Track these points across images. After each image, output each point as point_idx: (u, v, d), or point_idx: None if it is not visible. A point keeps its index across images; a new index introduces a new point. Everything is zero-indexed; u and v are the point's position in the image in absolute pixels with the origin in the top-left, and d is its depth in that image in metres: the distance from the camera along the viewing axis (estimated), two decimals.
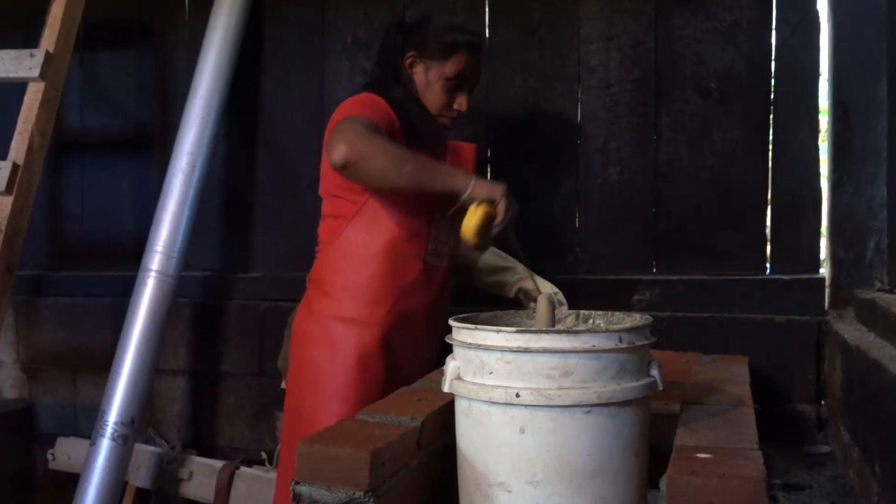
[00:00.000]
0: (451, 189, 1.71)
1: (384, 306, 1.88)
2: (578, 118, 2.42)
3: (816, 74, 2.21)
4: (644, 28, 2.35)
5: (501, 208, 1.68)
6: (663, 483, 1.05)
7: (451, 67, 1.95)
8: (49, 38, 2.20)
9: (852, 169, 2.09)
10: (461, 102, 2.00)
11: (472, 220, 1.71)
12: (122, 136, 3.01)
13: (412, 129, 1.91)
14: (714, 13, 2.28)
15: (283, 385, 2.03)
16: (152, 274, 2.47)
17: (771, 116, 2.24)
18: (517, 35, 2.47)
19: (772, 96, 2.24)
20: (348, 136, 1.68)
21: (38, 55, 2.16)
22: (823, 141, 2.32)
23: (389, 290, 1.89)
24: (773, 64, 2.24)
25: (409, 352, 1.94)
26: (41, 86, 2.17)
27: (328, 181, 1.94)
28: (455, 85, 1.97)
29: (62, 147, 3.01)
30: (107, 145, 3.04)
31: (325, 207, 1.98)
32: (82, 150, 3.05)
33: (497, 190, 1.70)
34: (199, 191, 2.55)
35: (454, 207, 1.73)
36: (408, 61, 1.97)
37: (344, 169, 1.69)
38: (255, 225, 2.80)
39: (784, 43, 2.22)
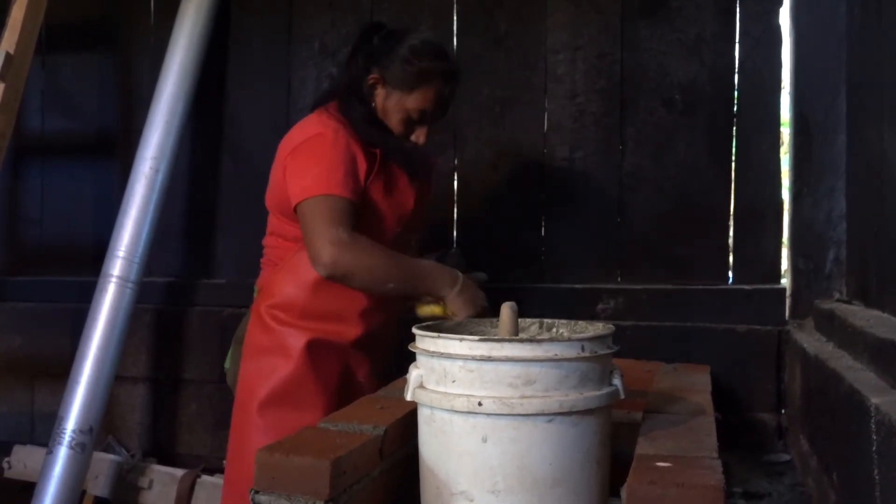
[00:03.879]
0: (433, 295, 1.76)
1: (340, 325, 1.86)
2: (545, 127, 2.43)
3: (778, 88, 2.25)
4: (610, 39, 2.37)
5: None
6: (624, 492, 1.05)
7: (413, 101, 1.81)
8: (9, 39, 2.17)
9: (812, 181, 2.13)
10: (419, 136, 1.86)
11: (432, 310, 1.80)
12: (84, 139, 2.97)
13: (385, 146, 1.83)
14: (679, 26, 2.31)
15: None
16: (113, 279, 2.43)
17: (734, 128, 2.27)
18: (484, 44, 2.48)
19: (735, 108, 2.27)
20: (334, 250, 1.68)
21: None
22: (785, 153, 2.35)
23: (344, 313, 1.86)
24: (736, 77, 2.27)
25: (366, 366, 1.93)
26: (0, 87, 2.13)
27: (284, 203, 1.85)
28: (417, 118, 1.84)
29: (22, 150, 2.97)
30: (68, 149, 3.00)
31: (275, 225, 1.93)
32: (43, 154, 3.00)
33: (466, 314, 1.73)
34: (162, 196, 2.52)
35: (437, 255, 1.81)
36: (370, 81, 1.84)
37: (331, 279, 1.71)
38: (218, 231, 2.77)
39: (747, 56, 2.25)
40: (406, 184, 1.88)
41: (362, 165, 1.79)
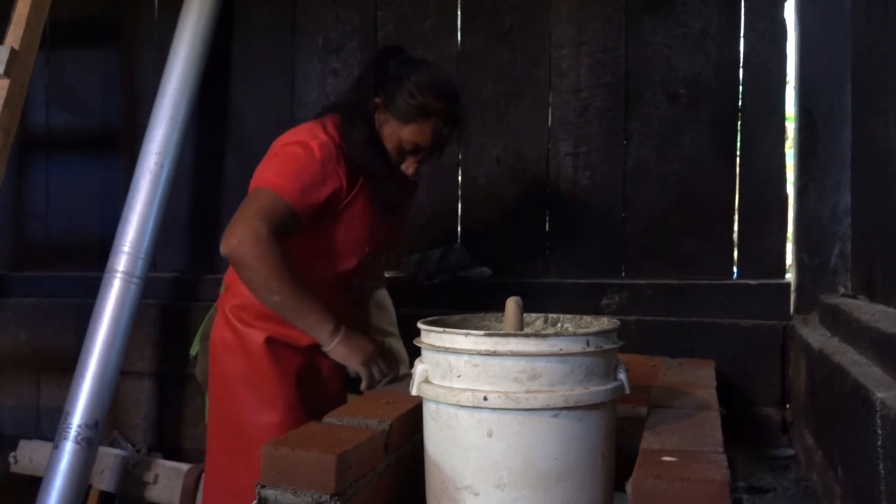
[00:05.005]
0: (314, 338, 1.74)
1: (294, 329, 1.82)
2: (549, 122, 2.43)
3: (783, 82, 2.25)
4: (615, 34, 2.36)
5: (364, 381, 1.73)
6: (629, 486, 1.06)
7: (408, 133, 1.78)
8: (14, 34, 2.16)
9: (817, 176, 2.12)
10: (409, 166, 1.83)
11: None
12: (89, 135, 2.98)
13: (371, 178, 1.81)
14: (684, 20, 2.30)
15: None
16: (118, 275, 2.43)
17: (739, 123, 2.27)
18: (489, 39, 2.48)
19: (740, 103, 2.27)
20: (247, 237, 1.65)
21: (3, 52, 2.12)
22: (790, 148, 2.35)
23: None
24: (741, 71, 2.26)
25: (329, 360, 1.90)
26: (5, 83, 2.13)
27: None
28: (411, 149, 1.81)
29: (27, 146, 2.96)
30: (73, 144, 3.00)
31: None
32: (48, 149, 3.00)
33: (354, 360, 1.72)
34: (166, 191, 2.52)
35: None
36: (372, 105, 1.82)
37: (224, 256, 1.70)
38: (222, 226, 2.72)
39: (752, 50, 2.24)
40: (383, 215, 1.87)
41: (340, 183, 1.76)
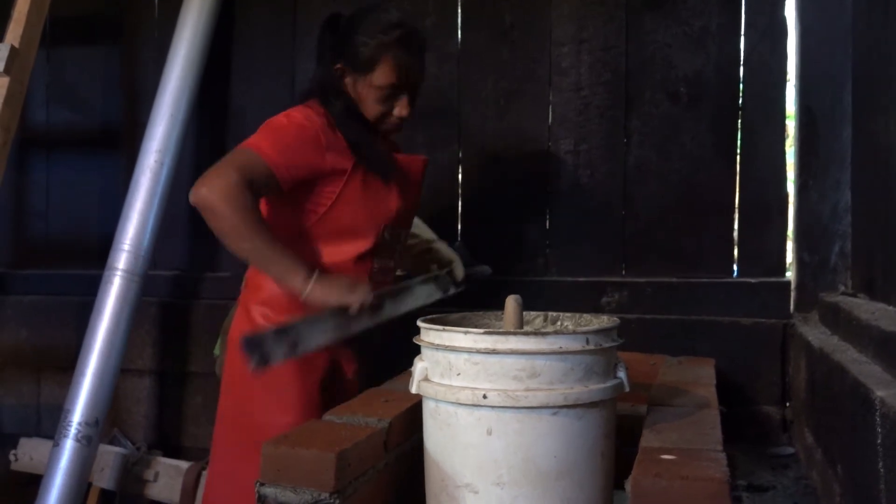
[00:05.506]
0: (286, 286, 1.67)
1: None
2: (549, 120, 2.43)
3: (784, 80, 2.24)
4: (615, 32, 2.36)
5: (352, 307, 1.63)
6: (628, 484, 1.06)
7: (378, 78, 1.77)
8: (14, 32, 2.17)
9: (818, 174, 2.12)
10: (401, 109, 1.81)
11: None
12: (89, 133, 2.98)
13: (357, 148, 1.79)
14: (684, 18, 2.30)
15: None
16: (118, 272, 2.44)
17: (739, 121, 2.27)
18: (489, 37, 2.48)
19: (740, 101, 2.27)
20: (216, 184, 1.62)
21: (3, 50, 2.12)
22: (790, 146, 2.35)
23: None
24: (741, 69, 2.26)
25: (354, 364, 1.91)
26: (5, 81, 2.13)
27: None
28: (390, 93, 1.80)
29: (27, 143, 2.97)
30: (73, 142, 3.00)
31: (269, 214, 1.88)
32: (48, 147, 3.00)
33: (335, 294, 1.63)
34: (167, 189, 2.52)
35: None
36: (337, 73, 1.82)
37: (193, 204, 1.65)
38: None
39: (752, 48, 2.24)
40: (385, 184, 1.85)
41: (337, 162, 1.76)
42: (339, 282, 1.67)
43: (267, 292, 1.83)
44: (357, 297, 1.63)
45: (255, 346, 1.51)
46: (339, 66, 1.82)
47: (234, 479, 1.83)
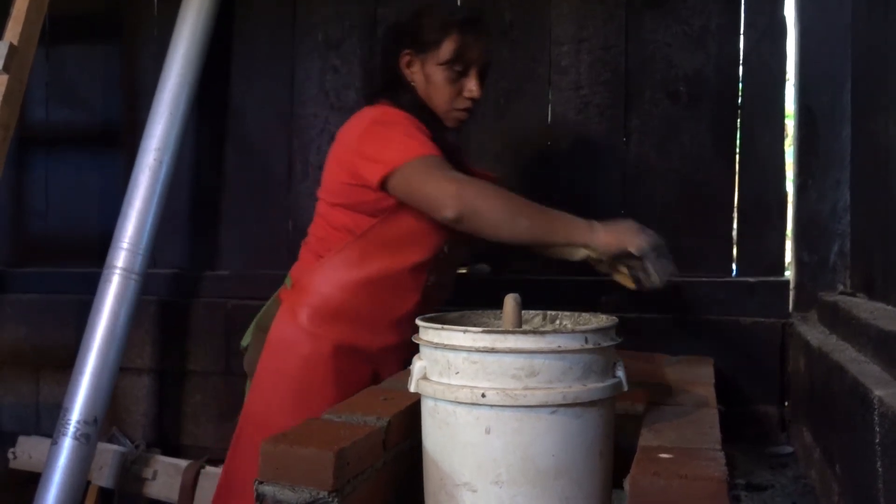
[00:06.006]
0: (571, 243, 1.59)
1: (371, 331, 1.82)
2: (549, 119, 2.43)
3: (783, 79, 2.24)
4: (615, 31, 2.36)
5: (648, 266, 1.51)
6: (627, 483, 1.06)
7: (445, 51, 1.79)
8: (13, 30, 2.17)
9: (817, 173, 2.12)
10: (472, 88, 1.82)
11: (623, 282, 1.63)
12: (89, 131, 2.98)
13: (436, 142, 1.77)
14: (684, 17, 2.30)
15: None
16: (117, 271, 2.44)
17: (738, 120, 2.26)
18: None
19: (739, 100, 2.27)
20: (455, 187, 1.60)
21: (2, 47, 2.12)
22: (790, 145, 2.35)
23: (379, 318, 1.82)
24: (740, 68, 2.26)
25: (395, 368, 1.87)
26: (4, 79, 2.13)
27: (340, 192, 1.83)
28: (458, 71, 1.81)
29: (26, 142, 2.97)
30: (72, 140, 3.00)
31: (325, 212, 1.89)
32: (47, 146, 3.00)
33: (633, 238, 1.53)
34: (166, 187, 2.52)
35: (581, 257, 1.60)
36: (404, 61, 1.84)
37: (458, 223, 1.62)
38: (222, 222, 2.77)
39: (752, 48, 2.24)
40: None
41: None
42: (625, 224, 1.60)
43: (317, 297, 1.81)
44: (644, 239, 1.54)
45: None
46: (406, 52, 1.83)
47: (251, 480, 1.81)
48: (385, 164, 1.70)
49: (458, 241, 1.85)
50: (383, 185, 1.72)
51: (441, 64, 1.80)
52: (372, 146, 1.74)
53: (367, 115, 1.81)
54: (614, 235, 1.56)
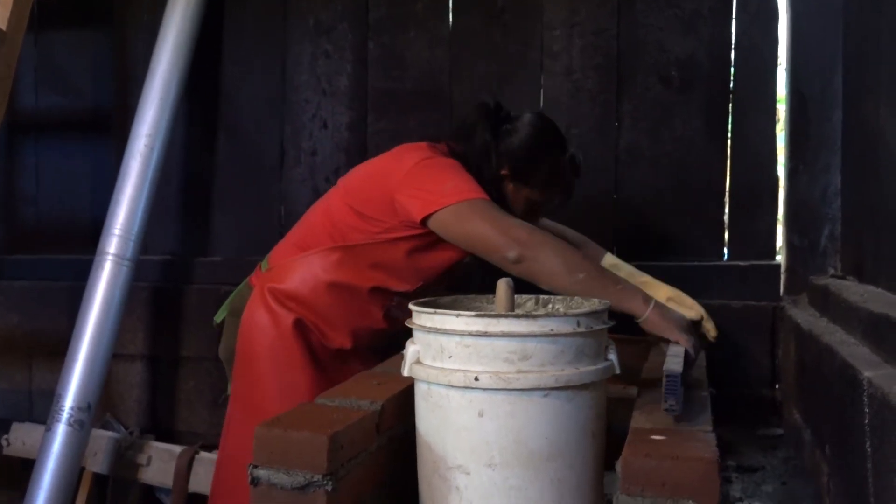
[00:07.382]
0: (623, 311, 1.58)
1: (330, 331, 1.88)
2: (541, 104, 2.43)
3: (775, 64, 2.25)
4: (607, 15, 2.36)
5: (690, 350, 1.50)
6: (619, 464, 1.07)
7: (540, 195, 1.90)
8: (1, 15, 2.15)
9: (808, 158, 2.13)
10: (537, 219, 1.95)
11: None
12: (79, 116, 2.96)
13: None
14: (676, 1, 2.30)
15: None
16: (109, 257, 2.43)
17: (730, 105, 2.27)
18: (481, 20, 2.47)
19: (731, 85, 2.27)
20: (521, 234, 1.63)
21: None
22: (781, 130, 2.35)
23: (337, 321, 1.88)
24: (732, 53, 2.26)
25: (373, 361, 1.92)
26: None
27: (369, 207, 1.85)
28: (539, 210, 1.93)
29: (16, 128, 2.95)
30: (63, 126, 2.98)
31: (341, 210, 1.90)
32: (37, 131, 2.99)
33: (672, 328, 1.54)
34: (157, 173, 2.51)
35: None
36: (501, 173, 1.87)
37: (517, 264, 1.63)
38: (214, 208, 2.77)
39: (743, 32, 2.24)
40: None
41: None
42: (677, 316, 1.63)
43: (290, 285, 1.86)
44: (688, 338, 1.54)
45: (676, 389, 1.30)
46: (505, 172, 1.87)
47: (243, 462, 1.82)
48: (440, 199, 1.72)
49: (439, 281, 1.92)
50: (426, 219, 1.74)
51: (530, 200, 1.89)
52: (426, 180, 1.76)
53: (423, 151, 1.84)
54: (664, 324, 1.56)
